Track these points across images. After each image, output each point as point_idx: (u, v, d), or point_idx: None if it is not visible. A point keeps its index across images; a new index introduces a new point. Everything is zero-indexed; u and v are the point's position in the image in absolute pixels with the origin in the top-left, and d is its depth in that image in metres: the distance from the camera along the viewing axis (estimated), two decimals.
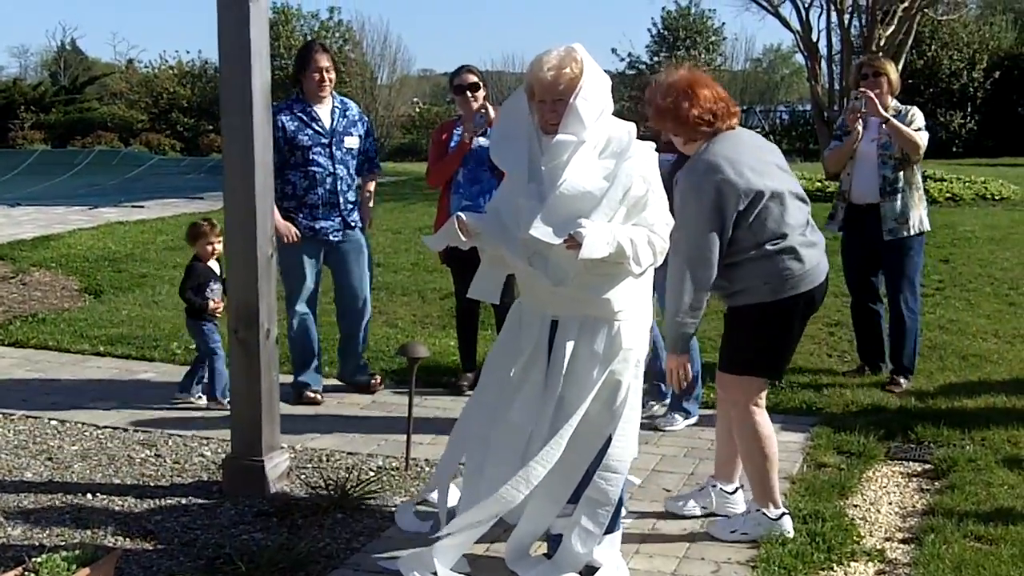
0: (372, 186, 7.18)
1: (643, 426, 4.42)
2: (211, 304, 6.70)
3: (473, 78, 6.86)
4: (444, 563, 4.19)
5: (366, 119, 7.12)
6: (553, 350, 4.22)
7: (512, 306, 4.47)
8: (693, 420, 6.36)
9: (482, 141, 6.64)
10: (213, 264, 6.77)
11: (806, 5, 23.58)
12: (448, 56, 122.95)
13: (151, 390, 7.08)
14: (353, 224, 6.88)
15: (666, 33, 37.13)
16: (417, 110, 33.45)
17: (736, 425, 4.76)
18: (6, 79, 42.26)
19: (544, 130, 4.13)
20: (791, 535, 4.63)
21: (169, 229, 14.45)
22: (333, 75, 6.76)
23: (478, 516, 4.17)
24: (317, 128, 6.71)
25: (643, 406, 6.24)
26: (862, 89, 6.85)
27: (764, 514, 4.68)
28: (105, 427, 6.28)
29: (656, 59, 36.39)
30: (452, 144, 6.85)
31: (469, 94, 6.81)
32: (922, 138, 6.89)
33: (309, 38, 33.18)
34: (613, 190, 4.07)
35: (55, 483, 5.37)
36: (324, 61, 6.71)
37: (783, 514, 4.70)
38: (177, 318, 9.06)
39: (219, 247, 6.67)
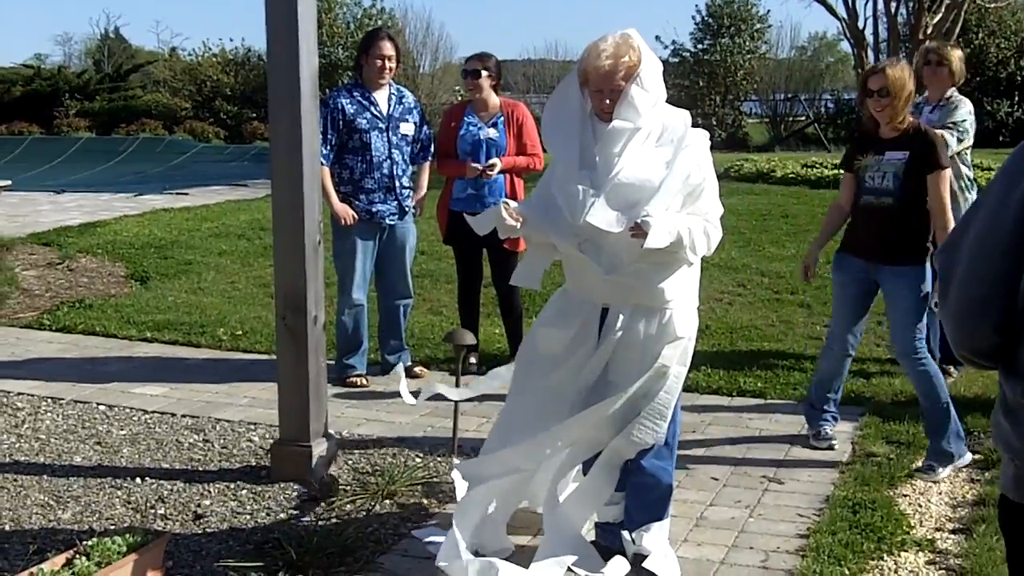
0: (426, 174, 7.25)
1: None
2: None
3: (475, 65, 7.02)
4: (465, 526, 4.21)
5: (420, 107, 7.19)
6: (603, 338, 4.16)
7: (555, 295, 4.40)
8: (965, 461, 5.51)
9: (491, 133, 6.97)
10: None
11: None
12: (490, 44, 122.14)
13: (198, 375, 7.12)
14: (408, 209, 6.96)
15: (710, 20, 36.70)
16: (459, 98, 33.35)
17: None
18: (50, 67, 42.49)
19: (599, 117, 4.07)
20: None
21: (213, 216, 14.49)
22: (394, 64, 6.83)
23: (503, 463, 4.23)
24: (375, 112, 6.80)
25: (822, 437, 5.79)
26: None
27: None
28: (153, 412, 6.32)
29: (700, 47, 36.08)
30: (462, 131, 7.00)
31: (470, 79, 7.01)
32: (947, 136, 6.43)
33: (351, 26, 33.20)
34: (671, 179, 4.01)
35: (104, 467, 5.42)
36: (388, 50, 6.80)
37: None
38: (223, 304, 9.12)
39: None
